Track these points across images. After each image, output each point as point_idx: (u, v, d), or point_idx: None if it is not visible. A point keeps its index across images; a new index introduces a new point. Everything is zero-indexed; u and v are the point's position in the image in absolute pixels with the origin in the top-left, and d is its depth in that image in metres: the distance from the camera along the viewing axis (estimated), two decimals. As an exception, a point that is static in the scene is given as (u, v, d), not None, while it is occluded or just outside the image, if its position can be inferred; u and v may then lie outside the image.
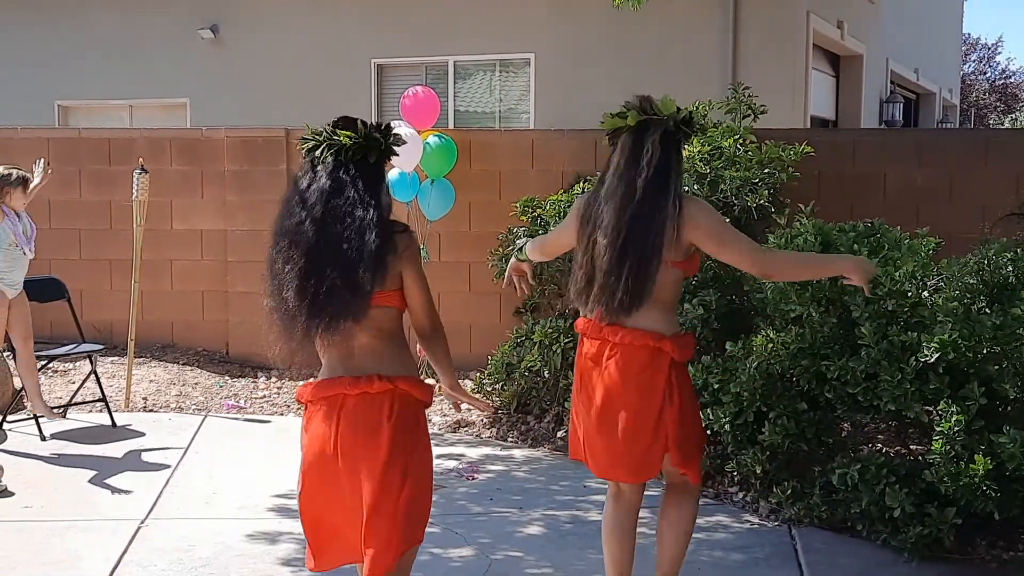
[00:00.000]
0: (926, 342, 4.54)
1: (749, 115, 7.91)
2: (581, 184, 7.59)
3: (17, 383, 7.27)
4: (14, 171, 6.66)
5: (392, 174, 7.87)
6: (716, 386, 5.39)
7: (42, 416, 6.80)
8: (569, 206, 6.91)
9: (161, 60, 14.05)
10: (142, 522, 5.36)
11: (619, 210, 3.68)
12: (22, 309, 6.67)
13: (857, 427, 5.28)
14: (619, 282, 3.65)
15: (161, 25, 14.12)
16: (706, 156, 6.98)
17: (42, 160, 7.23)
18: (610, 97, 11.79)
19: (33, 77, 14.55)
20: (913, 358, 4.61)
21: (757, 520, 5.39)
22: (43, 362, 7.45)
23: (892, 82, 16.94)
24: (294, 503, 5.68)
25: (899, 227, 5.58)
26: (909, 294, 4.82)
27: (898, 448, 5.20)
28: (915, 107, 19.54)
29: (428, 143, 7.88)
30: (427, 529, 4.86)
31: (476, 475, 6.19)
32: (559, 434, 6.92)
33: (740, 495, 5.67)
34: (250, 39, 13.77)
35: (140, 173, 7.59)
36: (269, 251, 3.38)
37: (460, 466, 6.35)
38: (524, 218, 7.63)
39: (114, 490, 5.86)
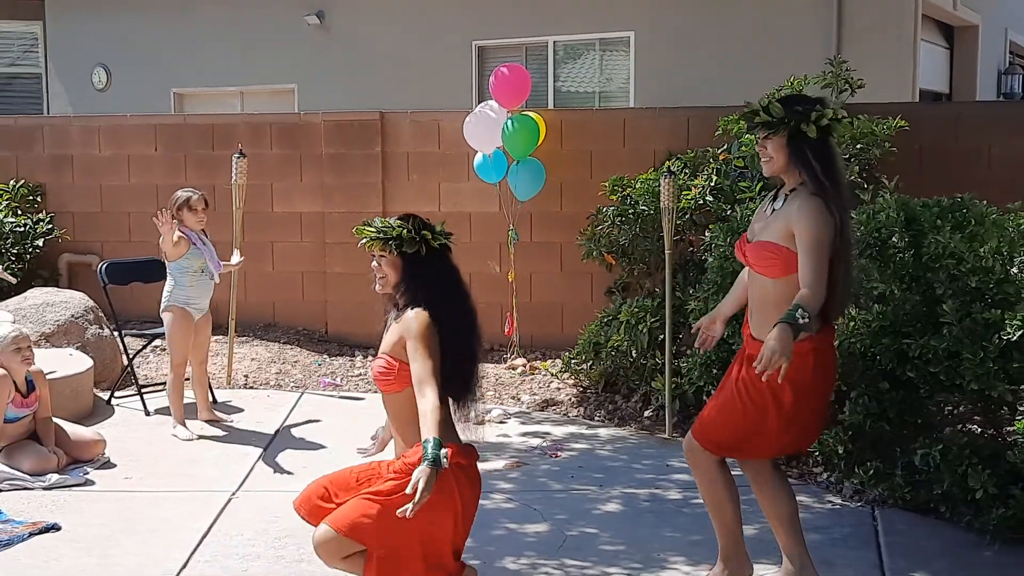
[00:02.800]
0: (1009, 319, 4.42)
1: (847, 90, 7.77)
2: (670, 162, 7.53)
3: (125, 360, 7.56)
4: (183, 192, 6.69)
5: (476, 158, 7.97)
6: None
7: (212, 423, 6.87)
8: (657, 184, 6.90)
9: (269, 47, 14.35)
10: (233, 494, 5.55)
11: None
12: (206, 333, 6.77)
13: (943, 407, 5.15)
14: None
15: (269, 13, 14.42)
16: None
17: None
18: (711, 75, 11.79)
19: (150, 67, 15.01)
20: (996, 336, 4.49)
21: (840, 501, 5.32)
22: (147, 340, 7.76)
23: (1012, 53, 16.32)
24: (379, 478, 5.82)
25: (1004, 203, 5.42)
26: (994, 270, 4.68)
27: (983, 428, 5.06)
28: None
29: (506, 124, 7.90)
30: (505, 505, 4.96)
31: (559, 453, 6.23)
32: (646, 413, 6.92)
33: (824, 475, 5.60)
34: (354, 24, 13.97)
35: (239, 157, 7.80)
36: None
37: (544, 444, 6.41)
38: (613, 197, 7.62)
39: (209, 463, 6.08)
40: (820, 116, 3.84)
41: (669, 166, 6.92)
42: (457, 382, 3.74)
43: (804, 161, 3.85)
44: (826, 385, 4.04)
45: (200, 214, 6.63)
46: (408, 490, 3.38)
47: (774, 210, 3.97)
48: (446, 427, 3.62)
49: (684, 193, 7.08)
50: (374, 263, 3.84)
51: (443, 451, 3.46)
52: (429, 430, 3.50)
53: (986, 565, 4.51)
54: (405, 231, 3.76)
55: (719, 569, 4.25)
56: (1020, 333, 4.37)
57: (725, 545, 4.25)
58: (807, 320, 3.64)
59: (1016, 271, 4.77)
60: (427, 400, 3.54)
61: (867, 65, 10.62)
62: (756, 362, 3.67)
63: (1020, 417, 4.32)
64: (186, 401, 6.76)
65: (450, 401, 3.72)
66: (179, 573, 4.54)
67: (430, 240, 3.78)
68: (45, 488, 5.58)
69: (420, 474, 3.39)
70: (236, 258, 7.19)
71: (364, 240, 3.82)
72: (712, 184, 7.12)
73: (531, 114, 8.21)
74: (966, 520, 4.72)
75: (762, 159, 3.99)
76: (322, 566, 4.58)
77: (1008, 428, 5.00)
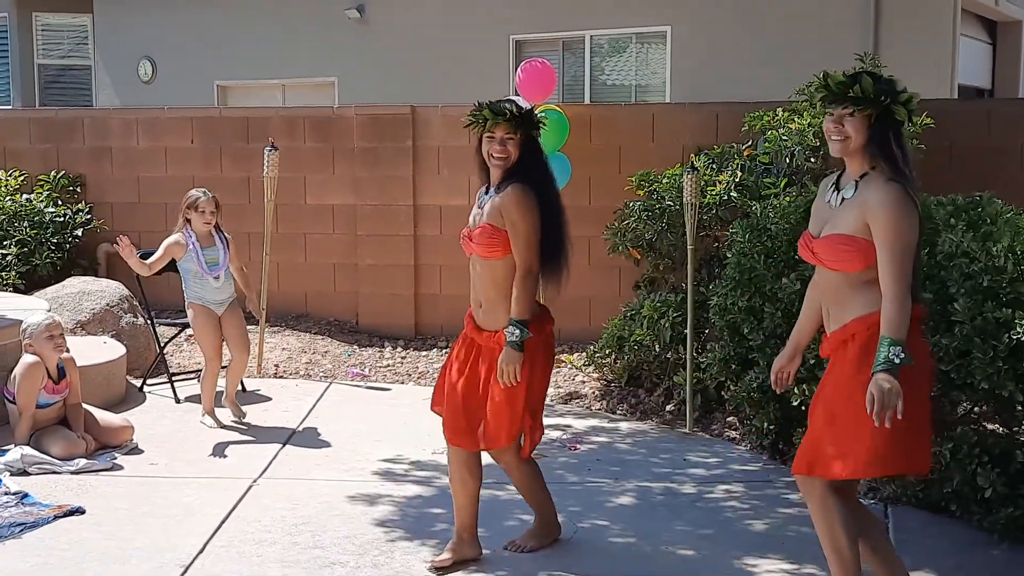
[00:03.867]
0: (1020, 319, 4.41)
1: (877, 86, 7.73)
2: (695, 158, 7.54)
3: (157, 349, 7.70)
4: (193, 192, 6.78)
5: None
6: (812, 361, 5.33)
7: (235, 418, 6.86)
8: (682, 179, 6.92)
9: (310, 41, 14.53)
10: (254, 481, 5.66)
11: None
12: (235, 322, 6.77)
13: (956, 406, 5.14)
14: None
15: (310, 7, 14.59)
16: (820, 129, 6.83)
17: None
18: (748, 69, 11.78)
19: (194, 60, 15.25)
20: (1007, 335, 4.48)
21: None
22: (178, 329, 7.91)
23: (1058, 48, 16.11)
24: (399, 467, 5.96)
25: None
26: (1007, 270, 4.67)
27: (995, 428, 5.05)
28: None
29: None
30: (520, 496, 5.02)
31: (579, 446, 6.28)
32: (667, 408, 6.96)
33: (839, 472, 5.61)
34: (393, 18, 14.10)
35: (271, 151, 7.92)
36: None
37: (564, 437, 6.46)
38: (640, 192, 7.65)
39: (234, 451, 6.20)
40: (910, 99, 3.59)
41: (693, 162, 6.94)
42: (553, 258, 4.36)
43: (885, 145, 3.55)
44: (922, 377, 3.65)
45: (207, 215, 6.68)
46: (502, 378, 4.21)
47: (843, 199, 3.64)
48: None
49: (709, 189, 7.10)
50: (497, 145, 4.34)
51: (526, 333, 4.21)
52: (522, 311, 4.22)
53: (994, 564, 4.51)
54: (535, 116, 4.42)
55: None
56: (1029, 332, 4.36)
57: None
58: (904, 356, 3.40)
59: (1031, 270, 4.75)
60: (526, 279, 4.26)
61: (905, 60, 10.58)
62: (868, 404, 3.42)
63: (1029, 417, 4.31)
64: (218, 390, 6.88)
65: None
66: (196, 557, 4.65)
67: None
68: (73, 472, 5.72)
69: (509, 360, 4.20)
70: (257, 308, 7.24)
71: (492, 120, 4.33)
72: (737, 180, 7.13)
73: (558, 109, 8.25)
74: (976, 519, 4.71)
75: (833, 136, 3.62)
76: (335, 549, 4.72)
77: (1019, 427, 4.99)
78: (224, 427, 6.62)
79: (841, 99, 3.60)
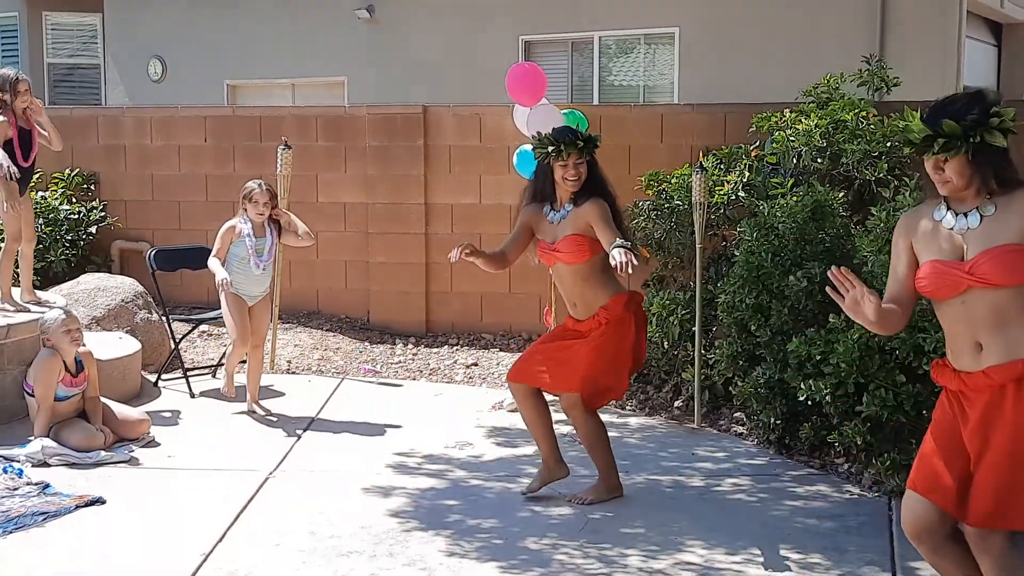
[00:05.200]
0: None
1: (883, 87, 7.84)
2: (703, 158, 7.63)
3: (171, 345, 7.82)
4: (249, 184, 6.91)
5: (520, 150, 8.07)
6: (818, 358, 5.45)
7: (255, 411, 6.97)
8: (691, 180, 7.02)
9: (320, 40, 14.62)
10: (271, 473, 5.77)
11: None
12: (262, 318, 6.99)
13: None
14: None
15: (320, 6, 14.68)
16: (827, 130, 6.95)
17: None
18: (755, 71, 11.87)
19: (204, 59, 15.35)
20: (1009, 332, 4.57)
21: (858, 491, 5.43)
22: (193, 325, 8.03)
23: (1063, 50, 16.19)
24: (411, 461, 6.07)
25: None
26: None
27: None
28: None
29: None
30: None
31: (588, 440, 6.38)
32: (676, 404, 7.06)
33: (845, 466, 5.72)
34: (403, 18, 14.19)
35: (284, 149, 8.03)
36: None
37: (574, 431, 6.55)
38: (649, 192, 7.75)
39: (249, 444, 6.31)
40: (1002, 120, 3.30)
41: (701, 162, 7.03)
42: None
43: (995, 174, 3.33)
44: None
45: (260, 206, 6.84)
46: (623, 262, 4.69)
47: (983, 216, 3.34)
48: (616, 280, 5.24)
49: (717, 189, 7.20)
50: (572, 170, 5.19)
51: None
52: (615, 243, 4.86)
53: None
54: (594, 139, 5.31)
55: None
56: (1031, 329, 4.43)
57: None
58: None
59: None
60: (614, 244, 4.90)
61: (910, 62, 10.68)
62: None
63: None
64: (236, 384, 6.99)
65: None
66: (215, 546, 4.76)
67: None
68: (92, 464, 5.84)
69: (623, 254, 4.75)
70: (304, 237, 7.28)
71: (567, 150, 5.15)
72: (745, 180, 7.23)
73: (577, 110, 8.34)
74: None
75: (937, 182, 3.39)
76: (351, 539, 4.82)
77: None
78: (245, 413, 6.80)
79: (928, 147, 3.33)
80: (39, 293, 7.38)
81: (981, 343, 3.34)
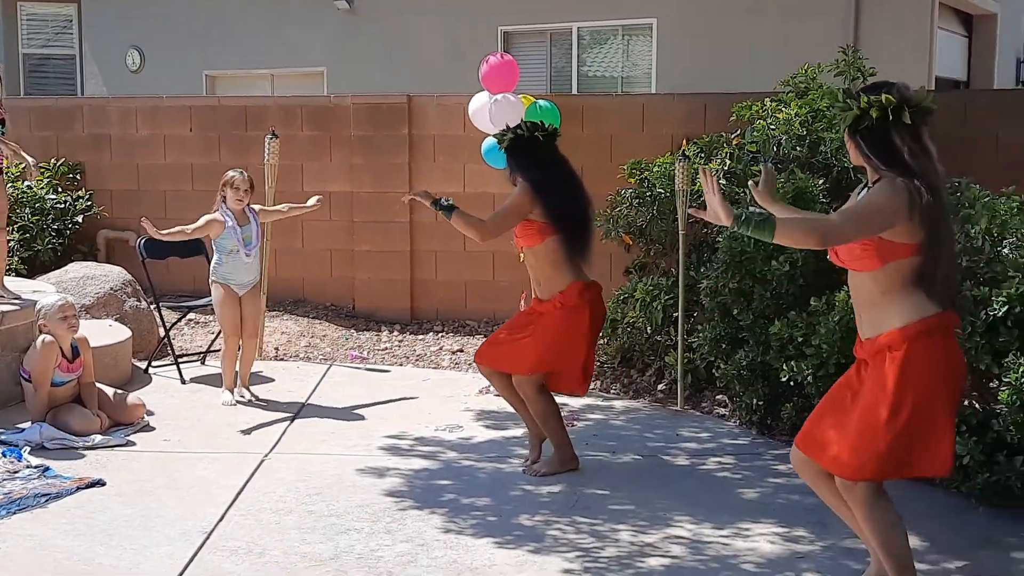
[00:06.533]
0: (996, 296, 4.69)
1: (859, 78, 8.01)
2: (686, 147, 7.80)
3: (161, 332, 7.91)
4: (229, 172, 7.09)
5: (486, 142, 8.21)
6: (800, 340, 5.62)
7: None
8: (673, 168, 7.18)
9: (299, 31, 14.68)
10: (266, 455, 5.89)
11: None
12: (253, 307, 7.10)
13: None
14: None
15: (300, -3, 14.75)
16: (806, 119, 7.12)
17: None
18: (732, 61, 12.04)
19: (183, 49, 15.37)
20: (984, 312, 4.77)
21: (839, 468, 5.60)
22: (182, 313, 8.13)
23: (1032, 41, 16.47)
24: (403, 443, 6.20)
25: (1013, 187, 5.68)
26: (984, 250, 4.95)
27: (973, 399, 5.33)
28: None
29: (528, 111, 8.16)
30: (523, 469, 5.31)
31: (575, 423, 6.53)
32: (659, 387, 7.22)
33: (826, 445, 5.89)
34: (382, 8, 14.27)
35: (271, 138, 8.12)
36: None
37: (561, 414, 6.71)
38: (632, 180, 7.90)
39: (242, 428, 6.42)
40: (880, 96, 3.60)
41: (684, 150, 7.19)
42: (578, 237, 5.45)
43: (875, 153, 3.66)
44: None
45: (240, 193, 6.97)
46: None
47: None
48: (577, 269, 5.44)
49: (699, 177, 7.34)
50: None
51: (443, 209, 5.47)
52: (463, 219, 5.39)
53: (972, 526, 4.79)
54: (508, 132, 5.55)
55: None
56: (1005, 309, 4.64)
57: None
58: (758, 216, 3.58)
59: (1007, 251, 5.03)
60: (486, 224, 5.42)
61: (884, 53, 10.86)
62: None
63: (1004, 388, 4.58)
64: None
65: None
66: (217, 524, 4.87)
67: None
68: (89, 448, 5.94)
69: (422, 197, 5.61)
70: (313, 200, 7.45)
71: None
72: (726, 168, 7.39)
73: (534, 98, 8.48)
74: (955, 486, 4.99)
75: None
76: (349, 517, 4.96)
77: (995, 399, 5.27)
78: (240, 403, 6.88)
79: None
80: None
81: (860, 315, 3.82)
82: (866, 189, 3.79)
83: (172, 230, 6.92)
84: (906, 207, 3.54)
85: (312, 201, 7.43)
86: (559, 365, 5.50)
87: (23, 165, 7.09)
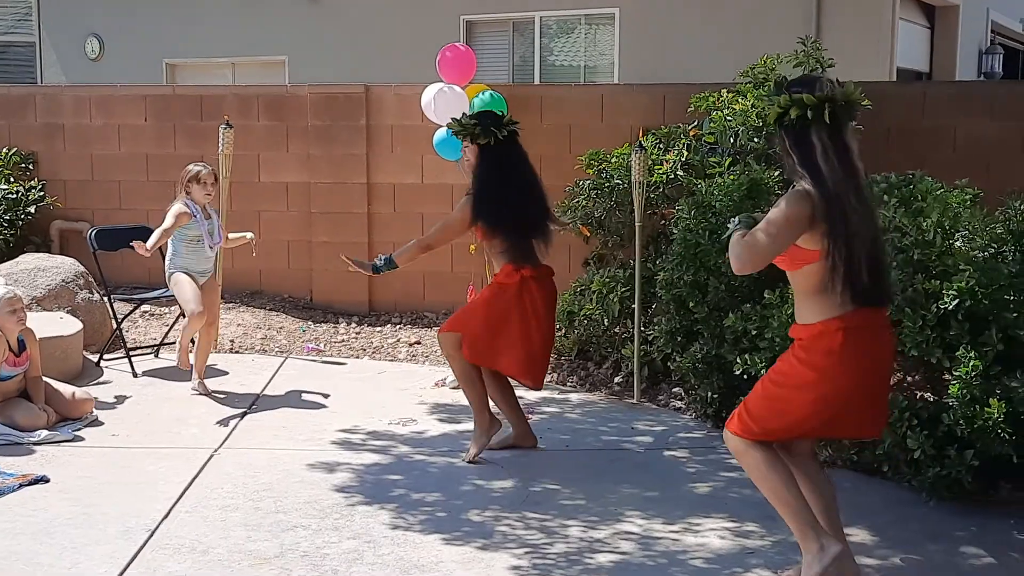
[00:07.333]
0: (947, 289, 4.67)
1: (817, 68, 7.99)
2: (643, 138, 7.75)
3: (113, 324, 7.80)
4: (193, 167, 7.02)
5: (439, 133, 8.11)
6: (754, 332, 5.59)
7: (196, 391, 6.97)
8: (630, 159, 7.13)
9: (261, 19, 14.54)
10: (215, 451, 5.81)
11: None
12: (211, 297, 7.03)
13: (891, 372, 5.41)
14: None
15: (262, -16, 14.60)
16: (763, 110, 7.08)
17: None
18: (694, 51, 12.02)
19: (143, 37, 15.19)
20: (935, 305, 4.75)
21: (792, 462, 5.58)
22: (135, 305, 8.01)
23: (994, 32, 16.52)
24: (356, 437, 6.13)
25: (967, 180, 5.66)
26: (935, 243, 4.94)
27: (924, 393, 5.33)
28: (1022, 59, 18.99)
29: (473, 102, 8.08)
30: (471, 464, 5.29)
31: (531, 416, 6.48)
32: (616, 380, 7.19)
33: (779, 438, 5.87)
34: (345, -3, 14.16)
35: (225, 128, 8.00)
36: None
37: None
38: (590, 171, 7.85)
39: (193, 423, 6.33)
40: (789, 103, 3.66)
41: (641, 141, 7.15)
42: (522, 238, 5.63)
43: (784, 149, 3.77)
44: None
45: (208, 187, 6.95)
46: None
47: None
48: (517, 255, 5.59)
49: (657, 168, 7.32)
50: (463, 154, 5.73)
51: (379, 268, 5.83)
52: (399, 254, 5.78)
53: (922, 519, 4.78)
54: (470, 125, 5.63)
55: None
56: (956, 302, 4.62)
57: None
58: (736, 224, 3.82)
59: (959, 244, 5.01)
60: (419, 245, 5.79)
61: (845, 44, 10.87)
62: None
63: (954, 382, 4.57)
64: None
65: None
66: (161, 522, 4.79)
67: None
68: (35, 443, 5.83)
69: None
70: (247, 235, 7.40)
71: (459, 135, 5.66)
72: (683, 159, 7.36)
73: (485, 87, 8.40)
74: (907, 479, 4.98)
75: None
76: (296, 514, 4.88)
77: (946, 393, 5.27)
78: (193, 395, 6.80)
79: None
80: None
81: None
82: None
83: (154, 240, 6.76)
84: (807, 216, 3.63)
85: (248, 236, 7.37)
86: (486, 336, 5.55)
87: None
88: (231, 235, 7.41)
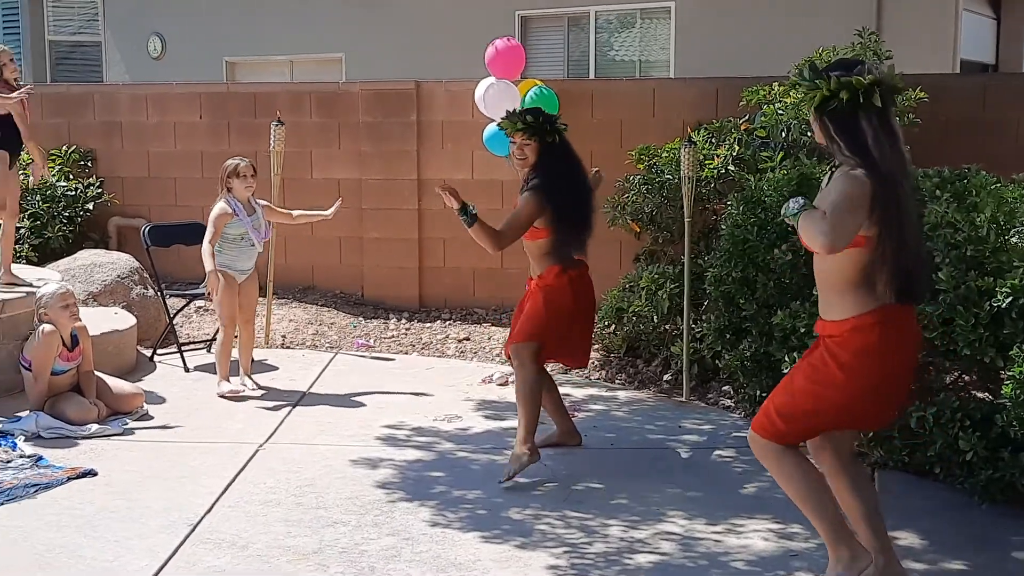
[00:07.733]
0: (1000, 287, 4.54)
1: (874, 60, 7.83)
2: (693, 132, 7.66)
3: (167, 320, 7.88)
4: (231, 161, 6.93)
5: (488, 129, 8.09)
6: (802, 330, 5.48)
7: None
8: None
9: (318, 17, 14.61)
10: (260, 446, 5.83)
11: None
12: (251, 293, 7.03)
13: (942, 372, 5.28)
14: None
15: (318, -18, 14.67)
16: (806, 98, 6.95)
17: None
18: (751, 44, 11.85)
19: (203, 36, 15.34)
20: (988, 303, 4.62)
21: (841, 462, 5.46)
22: (187, 300, 8.10)
23: (1064, 23, 16.10)
24: (400, 433, 6.13)
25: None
26: (989, 240, 4.80)
27: (977, 393, 5.19)
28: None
29: (524, 98, 8.05)
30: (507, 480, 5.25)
31: (577, 413, 6.43)
32: (665, 377, 7.11)
33: (829, 438, 5.75)
34: (401, -6, 14.18)
35: (277, 125, 8.06)
36: None
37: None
38: (640, 166, 7.78)
39: (241, 418, 6.37)
40: (846, 80, 3.52)
41: (690, 136, 7.06)
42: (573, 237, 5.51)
43: (838, 135, 3.59)
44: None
45: (248, 180, 6.86)
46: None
47: (821, 189, 3.75)
48: (561, 256, 5.48)
49: (707, 163, 7.22)
50: (516, 149, 5.53)
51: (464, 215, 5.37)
52: (479, 229, 5.38)
53: (971, 524, 4.64)
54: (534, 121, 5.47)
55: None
56: (1010, 300, 4.49)
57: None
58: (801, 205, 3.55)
59: (1015, 240, 4.87)
60: (500, 235, 5.42)
61: (907, 36, 10.67)
62: None
63: (1008, 382, 4.44)
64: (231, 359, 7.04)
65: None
66: (203, 516, 4.82)
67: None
68: (85, 437, 5.91)
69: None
70: (334, 208, 7.35)
71: (512, 129, 5.47)
72: (735, 154, 7.25)
73: (539, 83, 8.35)
74: (959, 482, 4.86)
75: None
76: (337, 509, 4.89)
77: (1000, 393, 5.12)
78: (238, 394, 6.79)
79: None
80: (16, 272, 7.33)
81: (819, 294, 3.79)
82: (831, 173, 3.70)
83: (208, 262, 6.60)
84: (870, 198, 3.47)
85: (333, 209, 7.31)
86: (549, 337, 5.48)
87: (32, 161, 7.13)
88: (300, 213, 7.43)
